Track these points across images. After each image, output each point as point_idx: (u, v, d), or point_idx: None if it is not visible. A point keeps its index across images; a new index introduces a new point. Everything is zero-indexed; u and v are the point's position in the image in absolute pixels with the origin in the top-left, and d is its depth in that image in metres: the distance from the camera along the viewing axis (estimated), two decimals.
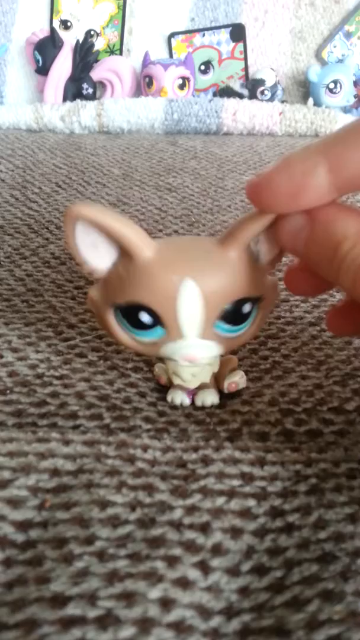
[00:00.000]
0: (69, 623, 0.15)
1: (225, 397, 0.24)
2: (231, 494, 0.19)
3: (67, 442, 0.21)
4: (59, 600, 0.15)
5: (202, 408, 0.23)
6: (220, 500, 0.19)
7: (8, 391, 0.23)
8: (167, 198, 0.46)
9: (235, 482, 0.19)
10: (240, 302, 0.20)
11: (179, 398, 0.23)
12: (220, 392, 0.24)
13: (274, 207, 0.18)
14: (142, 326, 0.20)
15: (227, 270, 0.19)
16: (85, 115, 0.70)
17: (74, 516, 0.18)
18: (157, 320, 0.19)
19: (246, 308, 0.20)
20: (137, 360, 0.26)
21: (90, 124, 0.70)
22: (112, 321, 0.21)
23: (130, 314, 0.20)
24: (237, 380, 0.24)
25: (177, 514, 0.18)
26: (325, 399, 0.24)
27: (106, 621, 0.15)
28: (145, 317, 0.20)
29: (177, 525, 0.18)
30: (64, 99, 0.77)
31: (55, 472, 0.19)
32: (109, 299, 0.20)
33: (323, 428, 0.22)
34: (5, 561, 0.17)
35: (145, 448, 0.21)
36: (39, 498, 0.18)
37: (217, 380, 0.24)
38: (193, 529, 0.18)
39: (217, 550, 0.17)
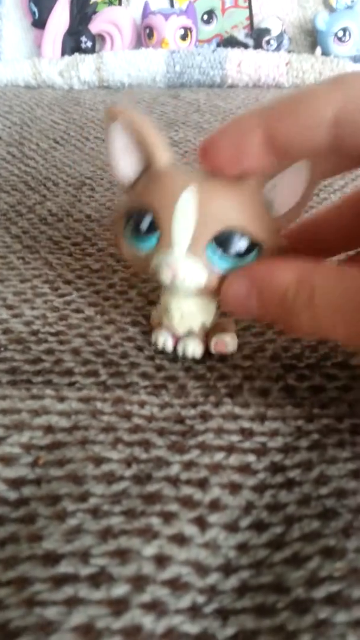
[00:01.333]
0: (61, 581, 0.14)
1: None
2: (230, 449, 0.18)
3: (62, 399, 0.20)
4: (51, 558, 0.15)
5: (202, 362, 0.22)
6: (218, 456, 0.18)
7: (2, 348, 0.23)
8: None
9: (235, 438, 0.19)
10: (237, 234, 0.19)
11: (163, 339, 0.22)
12: (210, 353, 0.22)
13: (220, 169, 0.19)
14: (141, 234, 0.20)
15: (232, 194, 0.19)
16: (84, 69, 0.68)
17: (68, 473, 0.17)
18: (154, 227, 0.19)
19: (242, 243, 0.19)
20: (136, 313, 0.25)
21: (89, 78, 0.68)
22: (121, 230, 0.21)
23: (135, 220, 0.20)
24: (225, 339, 0.22)
25: (174, 469, 0.18)
26: (329, 354, 0.23)
27: (99, 579, 0.14)
28: (145, 222, 0.20)
29: (174, 481, 0.17)
30: (62, 53, 0.74)
31: (49, 429, 0.19)
32: (125, 207, 0.21)
33: (326, 383, 0.21)
34: None
35: (142, 404, 0.20)
36: (32, 455, 0.18)
37: (208, 337, 0.22)
38: (190, 484, 0.17)
39: (215, 506, 0.17)
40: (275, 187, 0.19)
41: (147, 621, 0.14)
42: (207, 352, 0.22)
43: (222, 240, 0.19)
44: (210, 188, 0.19)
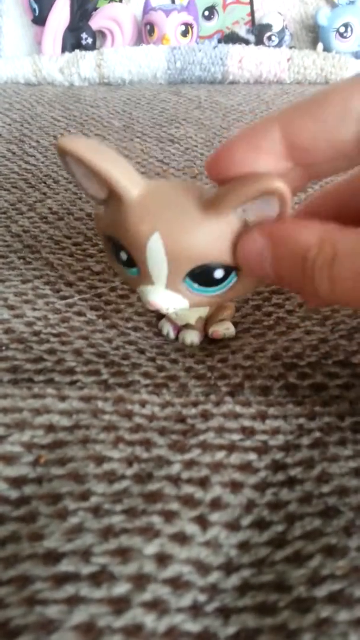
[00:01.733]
0: (62, 579, 0.14)
1: (230, 353, 0.23)
2: (231, 448, 0.18)
3: (63, 398, 0.20)
4: (53, 557, 0.15)
5: (203, 362, 0.22)
6: (220, 455, 0.18)
7: (4, 347, 0.23)
8: (170, 150, 0.44)
9: (236, 437, 0.19)
10: (210, 268, 0.19)
11: (166, 329, 0.24)
12: (208, 338, 0.24)
13: (232, 168, 0.18)
14: (124, 263, 0.20)
15: (199, 233, 0.18)
16: (84, 66, 0.67)
17: (69, 472, 0.17)
18: (133, 262, 0.20)
19: (218, 273, 0.19)
20: (137, 320, 0.25)
21: (90, 75, 0.67)
22: (108, 247, 0.21)
23: (115, 248, 0.20)
24: (220, 330, 0.24)
25: (175, 468, 0.18)
26: (330, 352, 0.23)
27: (100, 577, 0.14)
28: (123, 256, 0.20)
29: (175, 480, 0.17)
30: (63, 50, 0.74)
31: (50, 428, 0.19)
32: (103, 228, 0.21)
33: (328, 382, 0.21)
34: None
35: (143, 403, 0.20)
36: (33, 454, 0.18)
37: (207, 324, 0.24)
38: (191, 483, 0.17)
39: (216, 504, 0.17)
40: (246, 211, 0.18)
41: (148, 620, 0.14)
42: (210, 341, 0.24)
43: (197, 275, 0.19)
44: (176, 228, 0.18)
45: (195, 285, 0.20)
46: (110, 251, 0.21)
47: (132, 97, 0.58)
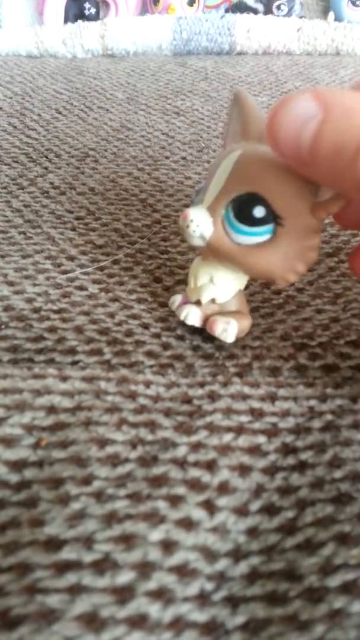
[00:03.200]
0: (63, 567, 0.14)
1: None
2: (239, 430, 0.18)
3: (64, 379, 0.19)
4: (54, 544, 0.14)
5: (211, 340, 0.22)
6: (227, 437, 0.17)
7: (3, 326, 0.22)
8: (175, 122, 0.43)
9: (244, 418, 0.18)
10: (255, 199, 0.18)
11: (174, 298, 0.22)
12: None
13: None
14: (197, 193, 0.20)
15: (271, 165, 0.18)
16: (87, 37, 0.65)
17: (71, 455, 0.17)
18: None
19: (257, 212, 0.18)
20: (141, 291, 0.25)
21: (93, 46, 0.65)
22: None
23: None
24: (219, 324, 0.20)
25: (181, 451, 0.17)
26: (342, 332, 0.22)
27: (103, 565, 0.14)
28: (202, 182, 0.20)
29: (181, 463, 0.17)
30: (65, 21, 0.72)
31: (51, 410, 0.18)
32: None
33: (340, 362, 0.21)
34: None
35: (147, 384, 0.19)
36: (34, 436, 0.17)
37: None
38: (198, 466, 0.17)
39: (223, 488, 0.16)
40: None
41: (153, 610, 0.13)
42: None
43: (239, 204, 0.18)
44: (256, 156, 0.18)
45: (231, 215, 0.18)
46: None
47: (137, 68, 0.57)
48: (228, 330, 0.20)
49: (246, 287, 0.25)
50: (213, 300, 0.21)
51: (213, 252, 0.19)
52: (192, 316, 0.21)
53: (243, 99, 0.22)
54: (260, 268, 0.18)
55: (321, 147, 0.14)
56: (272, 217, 0.18)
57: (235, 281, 0.20)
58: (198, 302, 0.21)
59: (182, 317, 0.21)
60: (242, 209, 0.18)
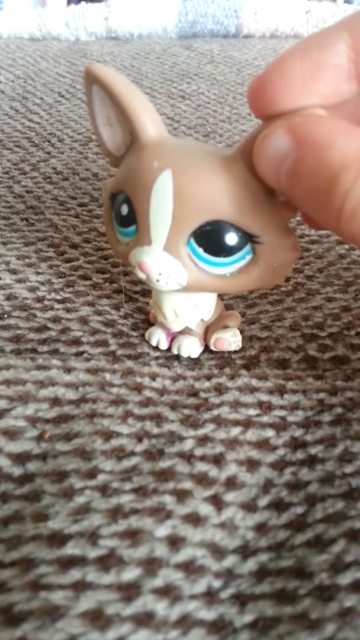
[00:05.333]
0: (68, 563, 0.13)
1: (246, 323, 0.22)
2: (247, 424, 0.17)
3: (69, 370, 0.19)
4: (58, 539, 0.14)
5: None
6: (235, 431, 0.17)
7: (6, 315, 0.22)
8: (180, 106, 0.42)
9: (252, 412, 0.18)
10: (223, 228, 0.16)
11: (156, 337, 0.20)
12: (209, 349, 0.20)
13: (283, 99, 0.14)
14: (122, 221, 0.17)
15: (217, 180, 0.15)
16: (91, 19, 0.64)
17: (75, 448, 0.16)
18: (133, 216, 0.17)
19: (231, 239, 0.16)
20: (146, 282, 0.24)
21: (97, 29, 0.64)
22: (107, 213, 0.19)
23: (117, 204, 0.18)
24: (226, 337, 0.19)
25: (188, 445, 0.17)
26: (353, 322, 0.22)
27: (108, 562, 0.14)
28: (124, 209, 0.17)
29: (188, 457, 0.16)
30: (68, 3, 0.71)
31: (55, 402, 0.18)
32: (111, 186, 0.18)
33: (350, 354, 0.20)
34: (1, 496, 0.15)
35: (153, 376, 0.19)
36: (37, 429, 0.17)
37: (208, 333, 0.20)
38: (205, 460, 0.16)
39: (231, 483, 0.16)
40: None
41: (160, 607, 0.13)
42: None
43: (203, 236, 0.16)
44: (193, 169, 0.16)
45: (200, 251, 0.16)
46: (109, 217, 0.19)
47: (141, 51, 0.56)
48: (234, 342, 0.20)
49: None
50: (201, 320, 0.20)
51: (193, 290, 0.17)
52: (195, 349, 0.20)
53: (111, 86, 0.16)
54: (249, 287, 0.17)
55: (297, 184, 0.14)
56: (246, 238, 0.16)
57: (214, 296, 0.19)
58: (185, 329, 0.20)
59: (185, 354, 0.20)
60: (212, 242, 0.16)
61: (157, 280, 0.17)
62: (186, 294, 0.18)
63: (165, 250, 0.16)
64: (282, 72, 0.14)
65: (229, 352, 0.20)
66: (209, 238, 0.16)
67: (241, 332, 0.21)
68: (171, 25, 0.64)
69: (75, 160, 0.34)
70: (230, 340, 0.20)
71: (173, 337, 0.20)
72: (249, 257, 0.16)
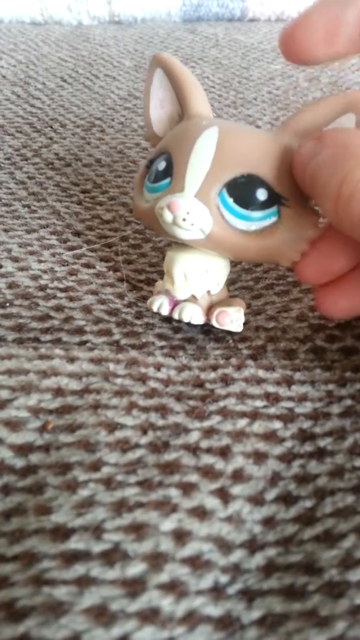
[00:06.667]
0: (71, 558, 0.13)
1: (252, 314, 0.21)
2: (254, 415, 0.17)
3: (72, 360, 0.19)
4: (61, 533, 0.14)
5: None
6: (242, 422, 0.17)
7: (8, 304, 0.21)
8: None
9: (259, 403, 0.17)
10: (257, 181, 0.17)
11: (159, 302, 0.19)
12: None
13: (310, 52, 0.16)
14: (155, 177, 0.18)
15: (259, 140, 0.17)
16: (94, 3, 0.63)
17: (79, 439, 0.16)
18: (169, 170, 0.18)
19: (261, 194, 0.17)
20: (150, 271, 0.24)
21: (99, 13, 0.63)
22: (139, 180, 0.20)
23: (154, 164, 0.19)
24: (229, 311, 0.19)
25: (194, 437, 0.16)
26: None
27: (113, 556, 0.13)
28: (161, 165, 0.18)
29: (194, 450, 0.16)
30: None
31: (58, 392, 0.17)
32: (149, 157, 0.20)
33: (359, 345, 0.20)
34: (3, 488, 0.15)
35: (158, 366, 0.19)
36: (40, 420, 0.17)
37: (210, 311, 0.19)
38: (211, 453, 0.16)
39: (238, 476, 0.15)
40: None
41: (166, 603, 0.13)
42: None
43: (236, 187, 0.17)
44: (240, 133, 0.17)
45: (230, 201, 0.17)
46: (140, 182, 0.20)
47: (145, 35, 0.55)
48: (237, 320, 0.19)
49: (258, 265, 0.24)
50: (208, 292, 0.19)
51: (213, 244, 0.17)
52: (197, 316, 0.19)
53: (174, 67, 0.20)
54: (270, 253, 0.18)
55: (316, 181, 0.15)
56: (275, 199, 0.17)
57: (226, 268, 0.19)
58: (191, 298, 0.19)
59: (186, 319, 0.19)
60: (244, 193, 0.17)
61: (183, 220, 0.17)
62: (201, 256, 0.18)
63: (196, 197, 0.17)
64: (307, 28, 0.16)
65: (235, 342, 0.20)
66: (242, 189, 0.17)
67: (247, 322, 0.20)
68: (175, 9, 0.63)
69: (78, 146, 0.33)
70: (233, 315, 0.19)
71: (175, 305, 0.19)
72: (273, 219, 0.17)
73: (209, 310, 0.19)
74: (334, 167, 0.15)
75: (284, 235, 0.17)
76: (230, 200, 0.17)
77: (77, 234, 0.26)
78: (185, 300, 0.19)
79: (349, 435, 0.16)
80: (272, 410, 0.17)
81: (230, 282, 0.23)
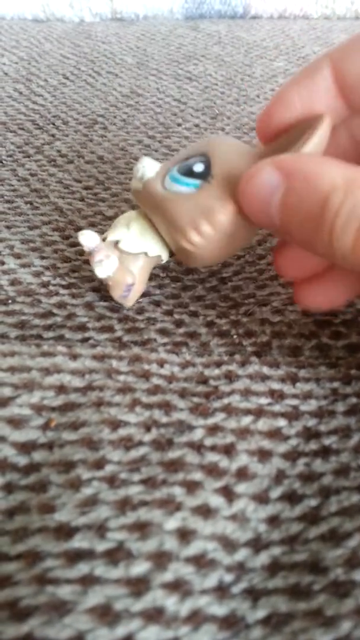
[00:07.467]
0: (75, 557, 0.13)
1: (257, 305, 0.21)
2: (259, 412, 0.17)
3: (74, 357, 0.18)
4: (65, 531, 0.14)
5: (226, 315, 0.20)
6: (246, 420, 0.17)
7: (10, 301, 0.21)
8: (187, 88, 0.41)
9: (264, 400, 0.17)
10: (202, 159, 0.18)
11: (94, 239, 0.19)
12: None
13: (286, 114, 0.17)
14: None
15: (229, 143, 0.19)
16: (96, 0, 0.63)
17: (82, 437, 0.16)
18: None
19: (197, 167, 0.18)
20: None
21: (101, 10, 0.63)
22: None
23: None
24: (101, 253, 0.19)
25: (198, 434, 0.16)
26: None
27: (117, 555, 0.13)
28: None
29: (198, 447, 0.16)
30: None
31: (61, 389, 0.17)
32: None
33: None
34: (6, 486, 0.15)
35: (161, 363, 0.18)
36: (43, 417, 0.17)
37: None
38: (215, 451, 0.16)
39: (242, 474, 0.15)
40: None
41: (170, 603, 0.13)
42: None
43: (186, 162, 0.19)
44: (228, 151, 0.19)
45: (174, 170, 0.19)
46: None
47: (147, 32, 0.54)
48: (104, 264, 0.19)
49: (262, 258, 0.24)
50: (116, 243, 0.19)
51: (143, 196, 0.19)
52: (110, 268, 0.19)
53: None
54: (170, 214, 0.18)
55: (288, 214, 0.15)
56: (207, 175, 0.18)
57: (147, 242, 0.19)
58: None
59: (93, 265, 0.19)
60: (187, 166, 0.18)
61: (136, 168, 0.19)
62: (134, 215, 0.20)
63: (162, 166, 0.19)
64: (283, 104, 0.17)
65: (239, 338, 0.20)
66: (187, 163, 0.18)
67: (252, 314, 0.20)
68: (177, 6, 0.62)
69: (80, 143, 0.33)
70: (99, 256, 0.19)
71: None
72: (193, 189, 0.18)
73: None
74: (315, 201, 0.14)
75: (187, 203, 0.17)
76: (175, 169, 0.19)
77: (80, 230, 0.25)
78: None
79: (354, 433, 0.16)
80: (276, 407, 0.17)
81: (233, 273, 0.23)
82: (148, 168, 0.19)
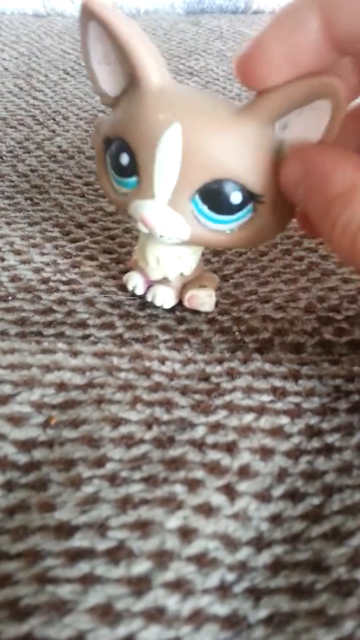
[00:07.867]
0: (75, 555, 0.13)
1: (259, 302, 0.21)
2: (261, 410, 0.17)
3: (75, 354, 0.18)
4: (65, 530, 0.13)
5: (227, 312, 0.20)
6: (248, 417, 0.16)
7: (10, 297, 0.21)
8: (189, 83, 0.40)
9: (266, 398, 0.17)
10: (229, 186, 0.16)
11: (134, 281, 0.20)
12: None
13: (267, 79, 0.15)
14: (121, 170, 0.17)
15: (228, 136, 0.15)
16: None
17: (82, 435, 0.16)
18: (134, 167, 0.16)
19: (235, 198, 0.16)
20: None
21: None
22: (101, 158, 0.18)
23: (114, 151, 0.17)
24: (200, 295, 0.20)
25: (199, 432, 0.16)
26: None
27: (118, 554, 0.13)
28: (124, 159, 0.16)
29: (199, 445, 0.16)
30: None
31: (62, 387, 0.17)
32: (105, 130, 0.17)
33: None
34: (6, 484, 0.15)
35: (162, 360, 0.18)
36: (43, 415, 0.16)
37: (184, 289, 0.20)
38: (217, 449, 0.16)
39: (244, 472, 0.15)
40: (287, 127, 0.16)
41: (171, 602, 0.12)
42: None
43: (209, 194, 0.16)
44: (203, 124, 0.15)
45: (204, 208, 0.16)
46: (102, 161, 0.18)
47: (148, 27, 0.54)
48: (208, 303, 0.20)
49: (264, 254, 0.24)
50: (180, 274, 0.19)
51: (191, 244, 0.18)
52: (169, 300, 0.20)
53: (111, 24, 0.15)
54: (247, 243, 0.18)
55: (308, 204, 0.15)
56: (250, 197, 0.16)
57: (198, 252, 0.19)
58: (163, 279, 0.20)
59: (158, 303, 0.20)
60: (217, 200, 0.16)
61: (161, 236, 0.17)
62: (172, 245, 0.18)
63: (169, 206, 0.16)
64: (262, 55, 0.15)
65: (241, 334, 0.19)
66: (215, 196, 0.16)
67: (254, 310, 0.20)
68: (178, 1, 0.62)
69: (81, 139, 0.33)
70: (204, 299, 0.20)
71: (150, 286, 0.20)
72: (249, 215, 0.17)
73: (182, 289, 0.20)
74: (323, 203, 0.15)
75: (261, 224, 0.17)
76: (204, 208, 0.16)
77: (80, 226, 0.25)
78: (158, 282, 0.20)
79: (357, 431, 0.16)
80: (278, 405, 0.17)
81: (235, 270, 0.23)
82: (178, 229, 0.17)
